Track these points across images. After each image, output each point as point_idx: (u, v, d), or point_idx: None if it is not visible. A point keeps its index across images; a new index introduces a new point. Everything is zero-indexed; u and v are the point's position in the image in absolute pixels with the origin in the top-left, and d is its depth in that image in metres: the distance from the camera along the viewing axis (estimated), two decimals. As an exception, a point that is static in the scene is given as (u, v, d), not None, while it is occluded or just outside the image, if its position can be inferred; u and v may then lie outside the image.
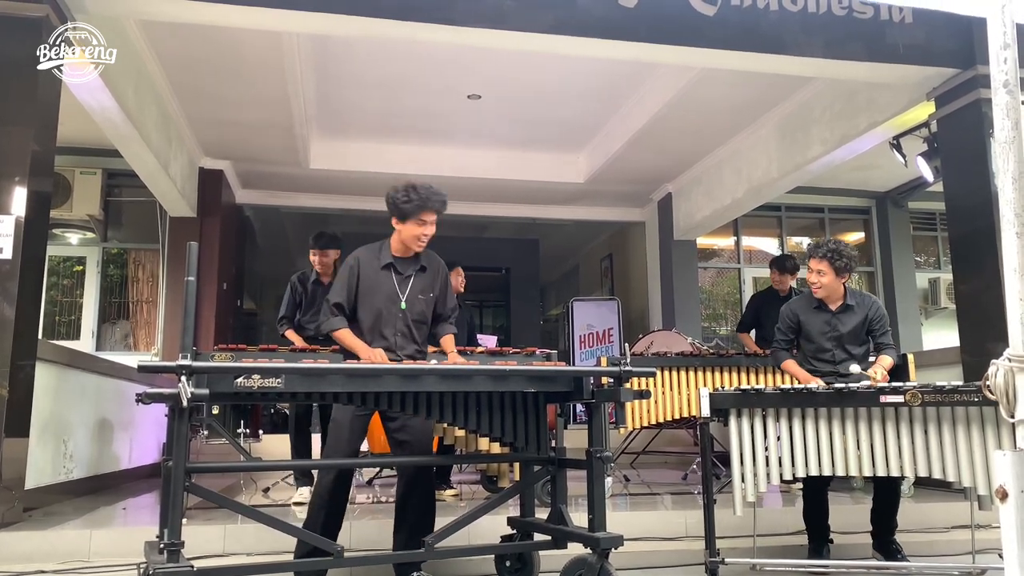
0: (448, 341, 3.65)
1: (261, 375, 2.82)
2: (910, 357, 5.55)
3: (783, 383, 4.58)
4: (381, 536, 3.96)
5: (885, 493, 3.96)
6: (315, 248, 5.52)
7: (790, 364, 4.19)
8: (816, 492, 3.99)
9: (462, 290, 5.85)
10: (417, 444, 3.47)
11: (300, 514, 4.57)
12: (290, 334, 5.41)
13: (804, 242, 10.91)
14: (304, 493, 5.14)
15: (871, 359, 4.17)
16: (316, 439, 5.59)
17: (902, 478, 3.74)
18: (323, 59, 6.76)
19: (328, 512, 3.38)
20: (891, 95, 6.16)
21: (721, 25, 5.19)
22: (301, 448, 5.45)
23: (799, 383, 3.92)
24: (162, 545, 2.62)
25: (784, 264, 6.53)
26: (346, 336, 3.44)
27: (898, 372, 5.41)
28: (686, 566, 3.86)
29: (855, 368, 3.96)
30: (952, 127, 5.72)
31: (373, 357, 3.32)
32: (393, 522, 3.49)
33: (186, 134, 7.82)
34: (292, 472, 5.61)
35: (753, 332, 6.82)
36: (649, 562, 3.90)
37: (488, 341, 6.57)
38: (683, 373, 5.57)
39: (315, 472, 5.36)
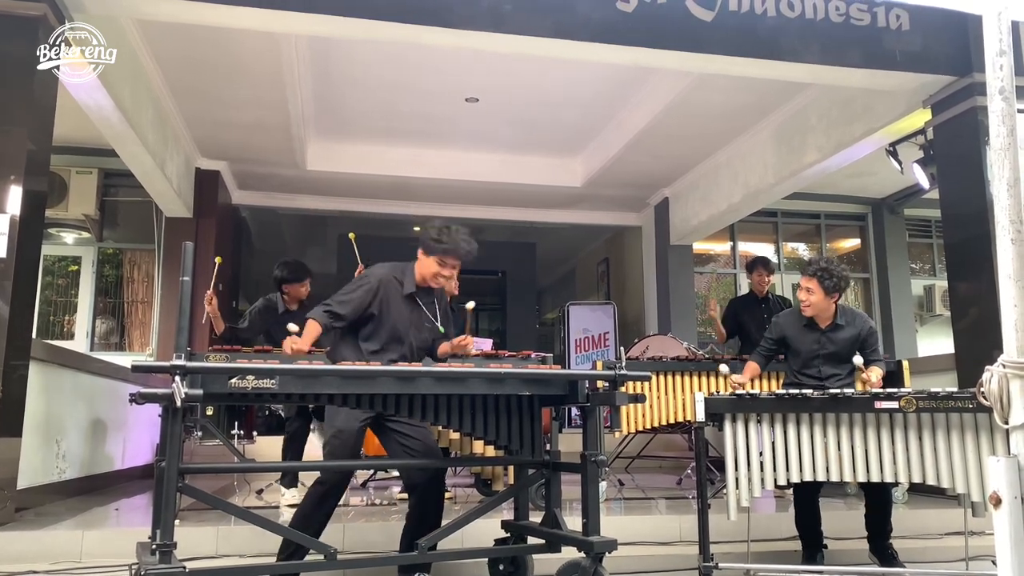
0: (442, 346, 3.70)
1: (255, 376, 2.81)
2: (905, 364, 5.57)
3: (778, 388, 4.60)
4: (375, 538, 3.96)
5: (876, 497, 3.96)
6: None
7: (747, 367, 4.30)
8: (807, 498, 3.99)
9: (456, 293, 5.85)
10: (426, 452, 3.47)
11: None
12: None
13: (800, 248, 10.94)
14: (294, 494, 5.14)
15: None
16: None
17: (896, 484, 3.75)
18: (321, 60, 6.75)
19: (318, 517, 3.33)
20: (887, 102, 6.18)
21: (719, 30, 5.20)
22: (296, 453, 5.43)
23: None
24: (154, 546, 2.61)
25: (768, 264, 6.59)
26: (312, 328, 3.36)
27: (893, 378, 5.43)
28: (680, 571, 3.85)
29: (858, 359, 3.99)
30: (948, 134, 5.74)
31: (289, 346, 3.29)
32: (407, 526, 3.45)
33: (183, 134, 7.81)
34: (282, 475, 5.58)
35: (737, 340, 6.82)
36: (643, 567, 3.90)
37: (484, 344, 6.56)
38: (678, 377, 5.57)
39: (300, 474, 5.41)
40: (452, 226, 3.56)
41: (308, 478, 5.87)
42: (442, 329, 3.59)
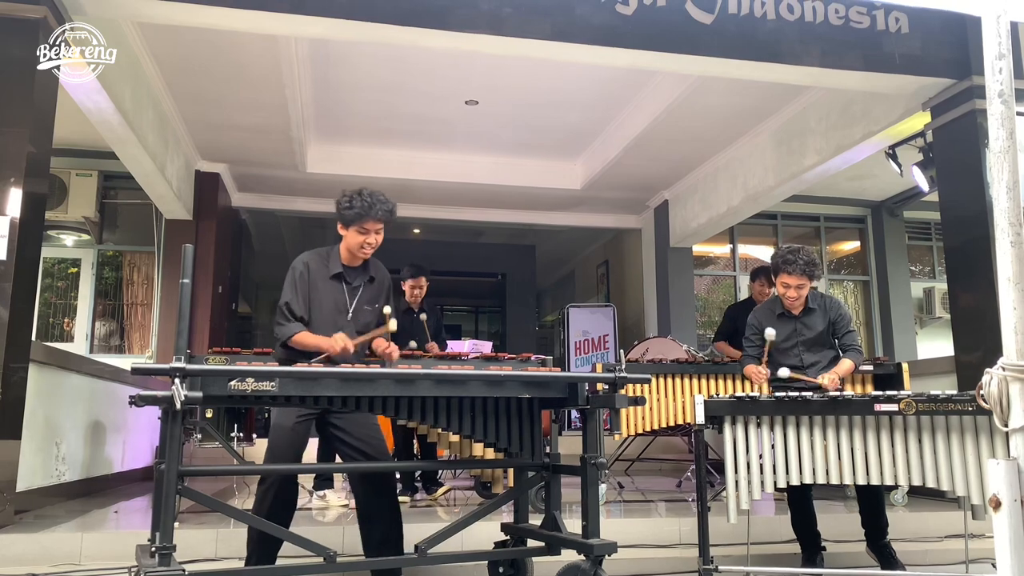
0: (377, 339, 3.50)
1: (255, 378, 2.80)
2: (905, 366, 5.56)
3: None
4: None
5: (866, 494, 3.95)
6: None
7: (749, 368, 4.21)
8: (799, 499, 3.99)
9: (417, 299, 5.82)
10: (374, 451, 3.37)
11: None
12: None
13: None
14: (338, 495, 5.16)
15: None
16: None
17: (896, 487, 3.74)
18: (321, 63, 6.76)
19: (273, 520, 3.16)
20: (887, 105, 6.19)
21: (718, 33, 5.21)
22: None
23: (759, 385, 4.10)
24: (154, 548, 2.61)
25: (770, 276, 6.55)
26: (306, 337, 3.31)
27: (892, 381, 5.44)
28: (680, 573, 3.85)
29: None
30: (947, 137, 5.74)
31: (334, 345, 3.21)
32: (361, 538, 3.38)
33: (183, 137, 7.81)
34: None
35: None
36: (643, 569, 3.90)
37: (483, 346, 6.56)
38: (678, 380, 5.57)
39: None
40: (362, 190, 3.45)
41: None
42: (349, 317, 3.38)
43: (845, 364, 4.04)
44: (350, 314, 3.41)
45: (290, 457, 3.28)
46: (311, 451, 5.48)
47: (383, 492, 3.38)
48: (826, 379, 3.93)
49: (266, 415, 9.10)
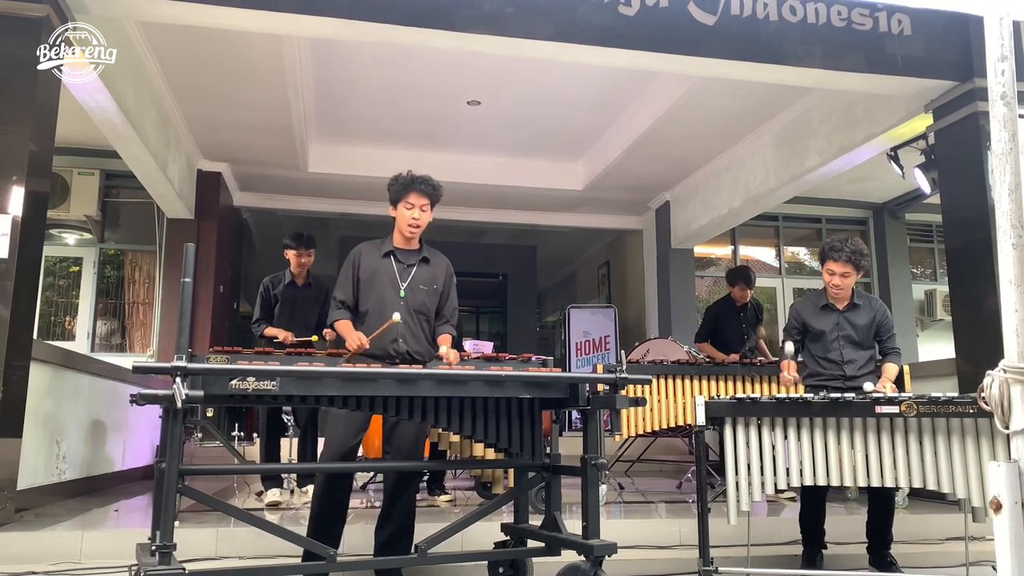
0: (444, 339, 3.65)
1: (256, 378, 2.81)
2: (906, 368, 5.55)
3: (779, 392, 4.58)
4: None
5: (879, 504, 3.96)
6: (296, 249, 5.53)
7: (787, 363, 4.13)
8: (814, 497, 3.99)
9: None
10: (404, 450, 3.49)
11: (269, 515, 4.59)
12: (271, 331, 5.38)
13: (801, 252, 10.94)
14: (275, 494, 5.14)
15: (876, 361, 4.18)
16: (284, 443, 5.64)
17: (896, 489, 3.74)
18: (323, 62, 6.76)
19: (325, 514, 3.36)
20: (889, 107, 6.18)
21: (721, 35, 5.21)
22: (271, 453, 5.45)
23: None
24: (154, 547, 2.61)
25: (750, 278, 6.58)
26: (342, 326, 3.51)
27: (894, 382, 5.43)
28: (680, 574, 3.85)
29: (868, 386, 3.93)
30: (950, 139, 5.74)
31: (351, 342, 3.38)
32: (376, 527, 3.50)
33: (185, 136, 7.82)
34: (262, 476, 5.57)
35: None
36: (642, 570, 3.89)
37: (484, 347, 6.56)
38: (679, 381, 5.57)
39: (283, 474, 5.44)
40: (409, 171, 3.65)
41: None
42: (402, 293, 3.52)
43: (893, 369, 4.02)
44: (403, 289, 3.54)
45: (344, 447, 3.39)
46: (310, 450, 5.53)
47: (401, 490, 3.48)
48: (887, 387, 3.90)
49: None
